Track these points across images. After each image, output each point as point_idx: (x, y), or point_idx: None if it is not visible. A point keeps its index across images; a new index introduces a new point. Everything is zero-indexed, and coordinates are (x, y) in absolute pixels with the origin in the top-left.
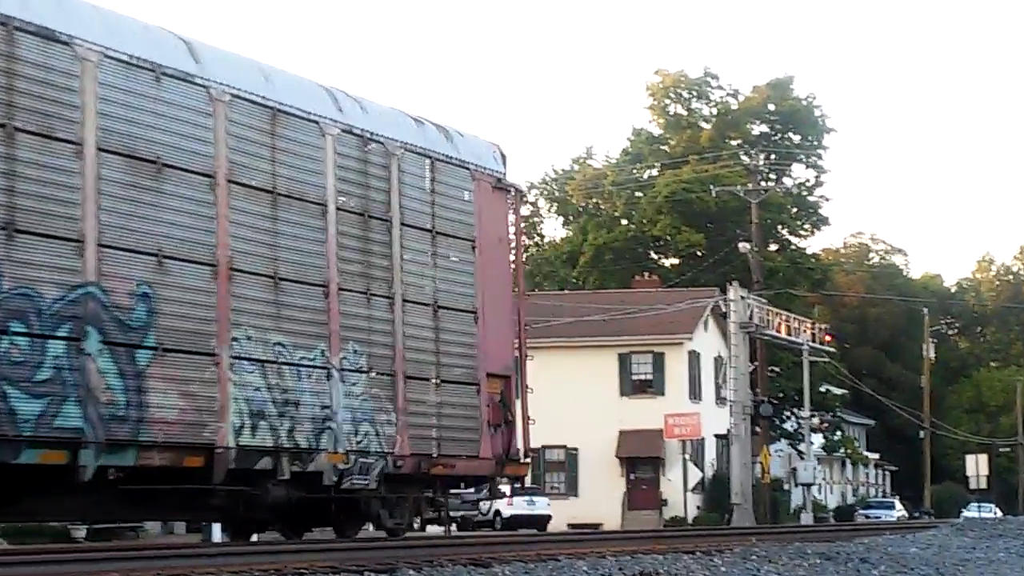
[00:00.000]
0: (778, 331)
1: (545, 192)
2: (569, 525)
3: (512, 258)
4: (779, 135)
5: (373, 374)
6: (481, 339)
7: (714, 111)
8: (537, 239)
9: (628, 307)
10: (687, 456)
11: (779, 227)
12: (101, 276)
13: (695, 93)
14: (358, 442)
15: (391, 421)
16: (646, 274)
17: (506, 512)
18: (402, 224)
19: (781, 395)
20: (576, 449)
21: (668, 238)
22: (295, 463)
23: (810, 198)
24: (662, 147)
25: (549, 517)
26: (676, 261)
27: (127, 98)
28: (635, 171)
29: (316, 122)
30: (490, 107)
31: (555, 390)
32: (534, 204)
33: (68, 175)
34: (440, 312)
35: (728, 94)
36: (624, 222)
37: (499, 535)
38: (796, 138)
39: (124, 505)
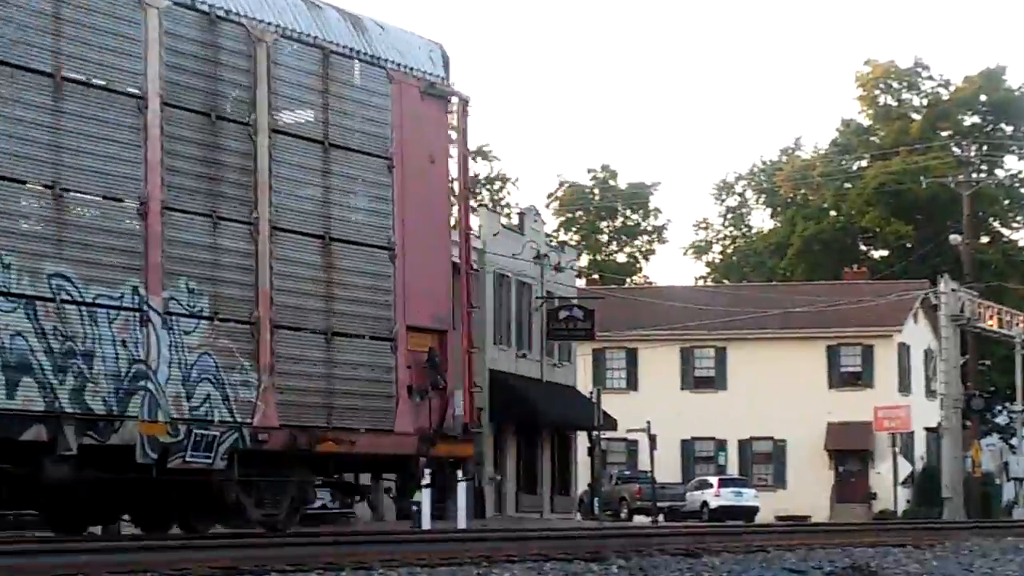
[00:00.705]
0: (990, 324)
1: (753, 183)
2: (776, 517)
3: (455, 184)
4: (991, 126)
5: (219, 321)
6: (400, 282)
7: (925, 101)
8: (745, 230)
9: (836, 299)
10: (897, 449)
11: (991, 219)
12: None
13: (905, 83)
14: (193, 408)
15: (248, 382)
16: (855, 266)
17: (713, 503)
18: (273, 131)
19: (993, 389)
20: (784, 441)
21: (877, 230)
22: (87, 434)
23: (1023, 190)
24: (871, 138)
25: (756, 509)
26: (885, 253)
27: None
28: (844, 162)
29: None
30: (698, 97)
31: (763, 382)
32: (741, 195)
33: None
34: (334, 246)
35: (939, 84)
36: (833, 213)
37: (707, 526)
38: (1009, 129)
39: None
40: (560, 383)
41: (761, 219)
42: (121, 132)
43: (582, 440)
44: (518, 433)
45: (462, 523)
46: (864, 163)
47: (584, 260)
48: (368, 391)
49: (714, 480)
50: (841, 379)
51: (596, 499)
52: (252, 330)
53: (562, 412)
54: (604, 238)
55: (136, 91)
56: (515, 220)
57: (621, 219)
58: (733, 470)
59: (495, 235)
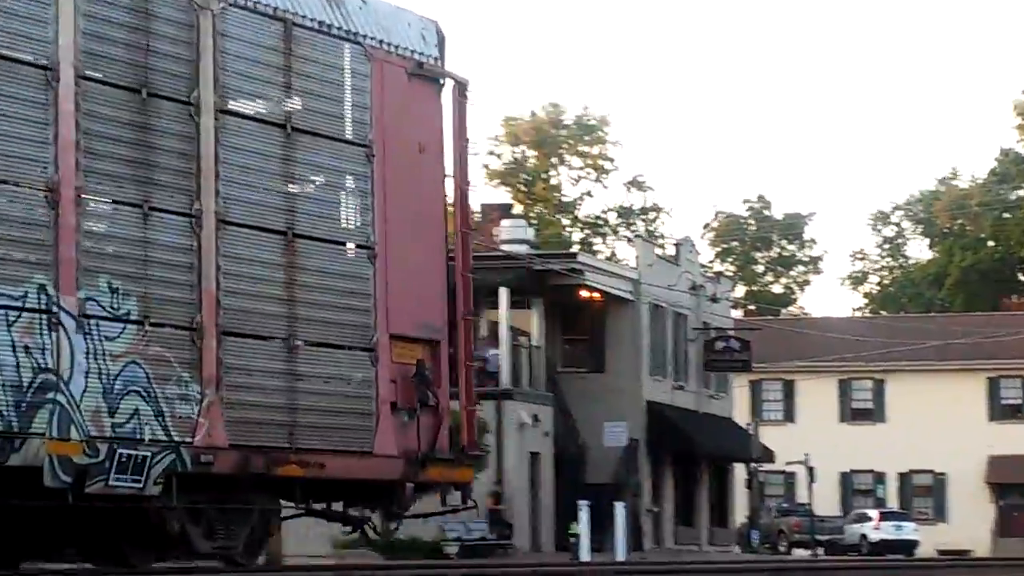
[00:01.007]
0: None
1: (910, 213)
2: (937, 551)
3: (450, 176)
4: None
5: (151, 325)
6: (381, 286)
7: None
8: (902, 260)
9: (996, 330)
10: None
11: None
12: None
13: None
14: (117, 425)
15: (189, 396)
16: (1014, 296)
17: (873, 536)
18: (221, 111)
19: None
20: (944, 474)
21: None
22: None
23: None
24: None
25: (917, 542)
26: None
27: None
28: (1002, 192)
29: None
30: (854, 126)
31: (922, 414)
32: (898, 225)
33: None
34: (299, 243)
35: None
36: (991, 243)
37: (867, 560)
38: None
39: None
40: (717, 414)
41: (919, 249)
42: (27, 108)
43: (739, 472)
44: (675, 464)
45: (620, 555)
46: (1023, 193)
47: (740, 291)
48: (342, 408)
49: (874, 513)
50: (1002, 411)
51: (754, 532)
52: (194, 337)
53: (719, 444)
54: (760, 268)
55: (44, 62)
56: (671, 251)
57: (777, 249)
58: (892, 503)
59: (650, 266)
